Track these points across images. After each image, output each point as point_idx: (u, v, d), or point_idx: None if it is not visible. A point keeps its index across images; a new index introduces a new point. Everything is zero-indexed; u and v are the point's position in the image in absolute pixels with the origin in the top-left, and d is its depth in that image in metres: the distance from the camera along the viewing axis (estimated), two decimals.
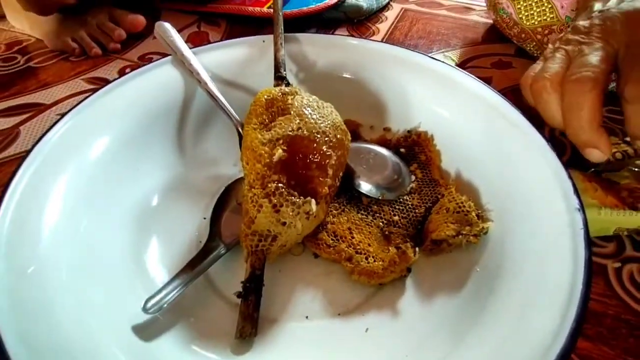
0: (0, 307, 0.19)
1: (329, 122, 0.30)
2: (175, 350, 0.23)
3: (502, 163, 0.29)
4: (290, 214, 0.25)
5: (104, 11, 0.60)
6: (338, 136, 0.30)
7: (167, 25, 0.38)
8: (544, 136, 0.28)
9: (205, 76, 0.36)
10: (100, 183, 0.28)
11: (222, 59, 0.38)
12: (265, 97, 0.30)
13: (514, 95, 0.53)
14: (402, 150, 0.35)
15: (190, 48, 0.38)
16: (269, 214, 0.25)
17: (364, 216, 0.31)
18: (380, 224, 0.30)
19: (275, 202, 0.25)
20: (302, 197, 0.26)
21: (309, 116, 0.29)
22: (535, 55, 0.57)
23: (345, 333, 0.26)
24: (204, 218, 0.33)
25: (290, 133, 0.27)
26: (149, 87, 0.34)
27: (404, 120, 0.37)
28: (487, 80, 0.55)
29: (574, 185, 0.24)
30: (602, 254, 0.32)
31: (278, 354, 0.25)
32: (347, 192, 0.32)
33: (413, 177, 0.33)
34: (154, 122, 0.33)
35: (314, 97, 0.32)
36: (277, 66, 0.36)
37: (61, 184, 0.26)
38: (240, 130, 0.35)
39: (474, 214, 0.28)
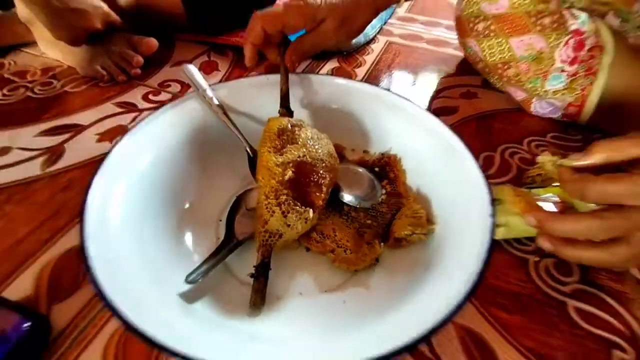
0: (101, 275, 0.27)
1: (325, 151, 0.39)
2: (205, 312, 0.32)
3: (447, 181, 0.39)
4: (294, 219, 0.34)
5: (123, 38, 0.69)
6: (331, 162, 0.39)
7: (192, 67, 0.48)
8: (477, 161, 0.38)
9: (220, 107, 0.45)
10: (149, 191, 0.37)
11: (235, 93, 0.48)
12: (277, 126, 0.39)
13: (477, 122, 0.63)
14: (376, 169, 0.45)
15: (209, 84, 0.48)
16: (279, 218, 0.34)
17: (345, 219, 0.40)
18: (357, 225, 0.40)
19: (284, 209, 0.34)
20: (303, 207, 0.35)
21: (312, 146, 0.38)
22: (497, 86, 0.67)
23: (329, 305, 0.35)
24: (220, 220, 0.42)
25: (298, 159, 0.36)
26: (179, 116, 0.43)
27: (379, 146, 0.47)
28: (454, 109, 0.65)
29: (491, 198, 0.34)
30: (525, 251, 0.42)
31: (280, 319, 0.34)
32: (332, 201, 0.41)
33: (384, 191, 0.43)
34: (184, 145, 0.43)
35: (314, 129, 0.41)
36: (284, 98, 0.46)
37: (121, 192, 0.35)
38: (249, 151, 0.44)
39: (424, 219, 0.37)
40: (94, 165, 0.49)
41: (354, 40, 0.78)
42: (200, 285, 0.34)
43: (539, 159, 0.44)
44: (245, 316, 0.33)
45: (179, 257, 0.36)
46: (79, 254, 0.29)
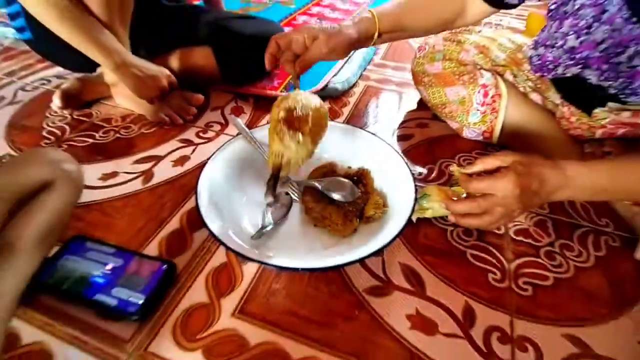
0: (214, 229, 0.55)
1: (310, 102, 0.62)
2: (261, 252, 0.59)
3: (395, 185, 0.66)
4: (288, 140, 0.58)
5: (177, 93, 0.97)
6: (314, 107, 0.61)
7: (237, 118, 0.76)
8: (411, 173, 0.66)
9: (257, 144, 0.73)
10: (225, 190, 0.65)
11: (265, 134, 0.75)
12: (279, 97, 0.66)
13: (427, 144, 0.91)
14: (355, 178, 0.72)
15: (249, 129, 0.75)
16: (278, 142, 0.58)
17: (337, 208, 0.67)
18: (344, 211, 0.67)
19: (281, 136, 0.58)
20: (293, 132, 0.58)
21: (297, 99, 0.62)
22: (441, 118, 0.96)
23: (327, 254, 0.62)
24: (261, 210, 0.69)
25: (287, 106, 0.61)
26: (234, 150, 0.71)
27: (357, 163, 0.75)
28: (412, 136, 0.93)
29: (416, 193, 0.62)
30: (446, 224, 0.69)
31: (299, 260, 0.60)
32: (329, 199, 0.69)
33: (359, 191, 0.70)
34: (238, 166, 0.70)
35: (307, 92, 0.66)
36: None
37: (211, 192, 0.63)
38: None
39: (382, 205, 0.65)
40: (175, 182, 0.77)
41: (340, 87, 1.06)
42: (258, 242, 0.61)
43: (452, 168, 0.72)
44: (284, 257, 0.60)
45: (242, 225, 0.64)
46: (183, 231, 0.57)
